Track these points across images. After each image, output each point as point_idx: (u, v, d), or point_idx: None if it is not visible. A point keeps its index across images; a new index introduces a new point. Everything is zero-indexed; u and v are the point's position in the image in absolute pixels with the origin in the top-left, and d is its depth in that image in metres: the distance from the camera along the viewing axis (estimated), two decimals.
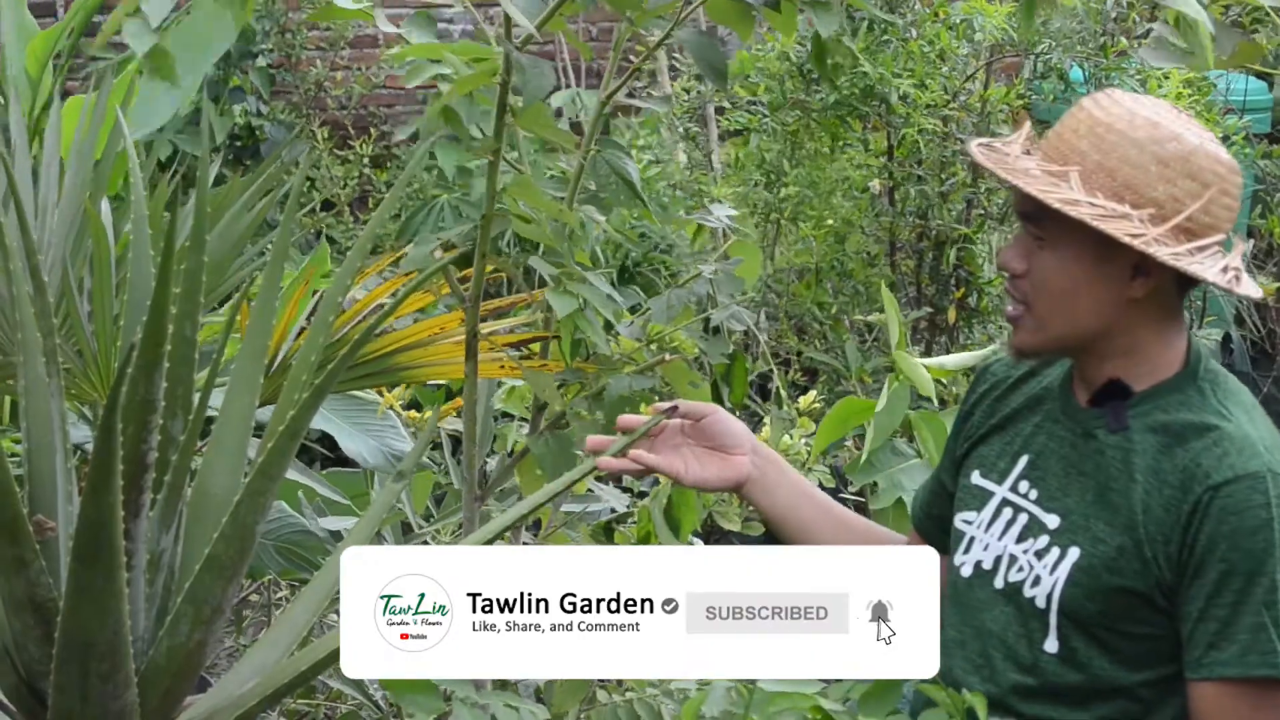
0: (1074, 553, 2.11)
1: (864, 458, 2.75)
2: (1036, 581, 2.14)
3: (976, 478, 2.27)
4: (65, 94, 3.83)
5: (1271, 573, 2.02)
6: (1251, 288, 2.10)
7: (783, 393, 4.56)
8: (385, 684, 2.66)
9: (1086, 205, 2.05)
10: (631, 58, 2.62)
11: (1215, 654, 2.04)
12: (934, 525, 2.38)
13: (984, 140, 2.21)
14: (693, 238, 2.68)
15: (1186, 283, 2.13)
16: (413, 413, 3.42)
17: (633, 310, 2.80)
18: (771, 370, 4.80)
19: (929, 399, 2.81)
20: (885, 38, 4.94)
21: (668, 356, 2.49)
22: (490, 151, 2.31)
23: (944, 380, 3.08)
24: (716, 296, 2.50)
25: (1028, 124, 2.23)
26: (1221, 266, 2.08)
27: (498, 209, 2.36)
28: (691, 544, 4.24)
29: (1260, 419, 2.14)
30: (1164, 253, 2.04)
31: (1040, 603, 2.13)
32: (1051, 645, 2.12)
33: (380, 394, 3.31)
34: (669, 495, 2.49)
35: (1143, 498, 2.08)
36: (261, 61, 6.92)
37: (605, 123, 2.44)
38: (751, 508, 3.43)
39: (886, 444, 2.76)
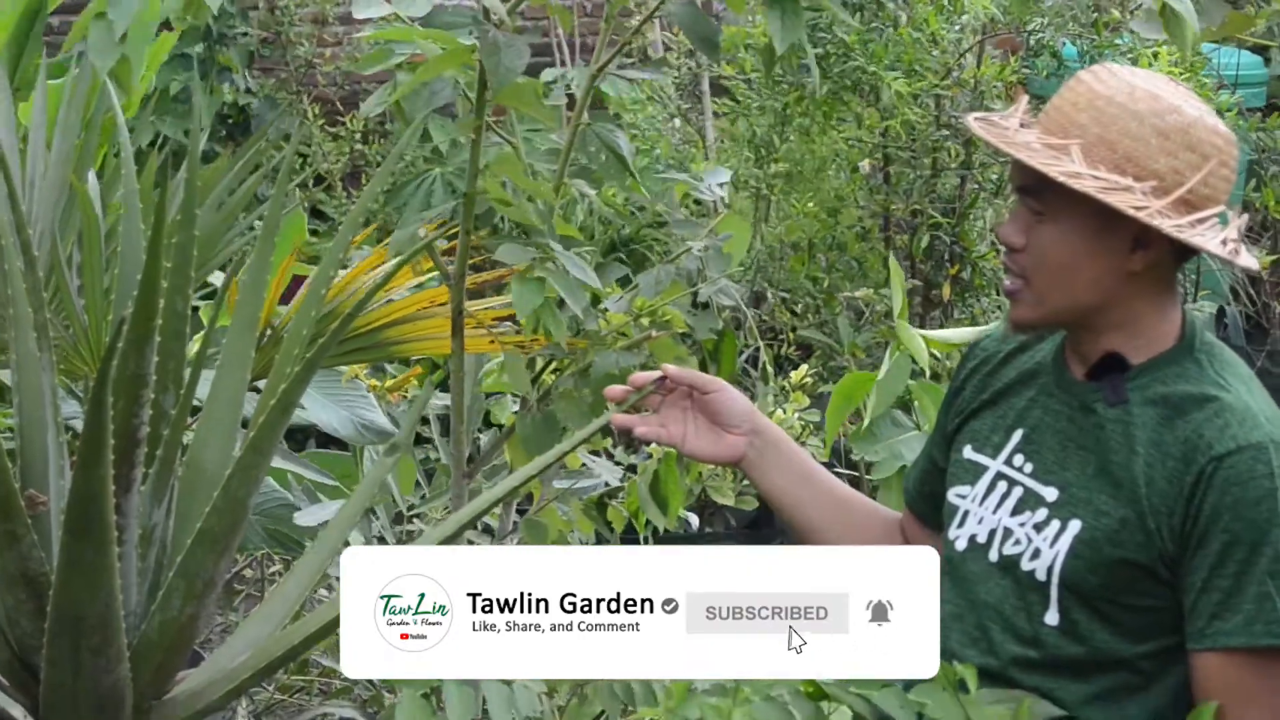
0: (1075, 525, 2.11)
1: (864, 425, 2.74)
2: (1036, 554, 2.13)
3: (969, 452, 2.27)
4: None
5: (1276, 542, 2.02)
6: (1249, 260, 2.10)
7: (769, 368, 4.55)
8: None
9: (1090, 178, 2.04)
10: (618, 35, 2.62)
11: (1219, 624, 2.04)
12: (926, 503, 2.37)
13: (981, 114, 2.21)
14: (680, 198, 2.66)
15: (1183, 255, 2.13)
16: (374, 381, 3.40)
17: (623, 283, 2.78)
18: (759, 346, 4.80)
19: (923, 370, 2.79)
20: (875, 24, 4.93)
21: (654, 333, 2.48)
22: (473, 129, 2.31)
23: (939, 355, 3.07)
24: (706, 272, 2.49)
25: (1024, 98, 2.22)
26: (1221, 239, 2.08)
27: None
28: (684, 521, 4.22)
29: (1258, 390, 2.14)
30: (1167, 225, 2.03)
31: (1040, 575, 2.12)
32: (1052, 618, 2.12)
33: None
34: (655, 470, 2.48)
35: (1144, 470, 2.08)
36: (245, 38, 6.90)
37: (601, 95, 2.44)
38: (745, 482, 3.43)
39: (886, 414, 2.74)
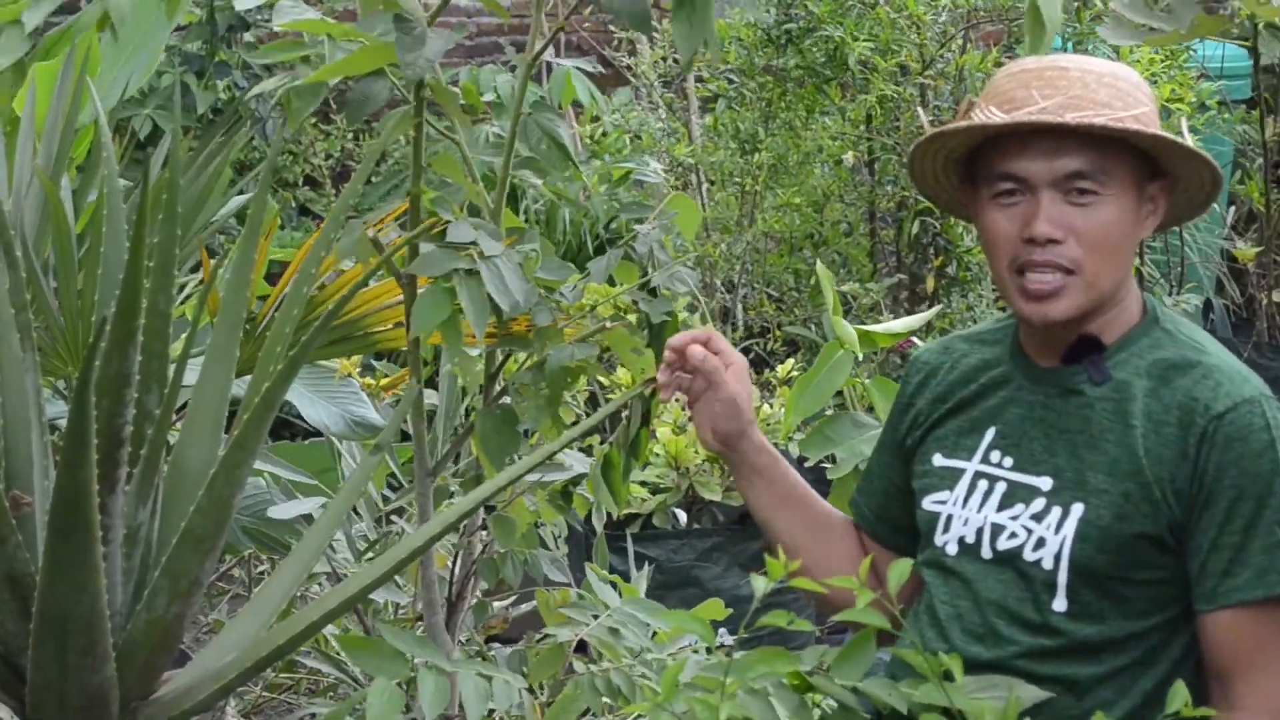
0: (1078, 508, 2.13)
1: (788, 420, 2.71)
2: (1040, 544, 2.14)
3: (940, 460, 2.26)
4: None
5: (1279, 491, 2.07)
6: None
7: None
8: (344, 644, 2.65)
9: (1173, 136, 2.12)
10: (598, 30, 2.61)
11: (1230, 581, 2.07)
12: (884, 526, 2.37)
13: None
14: (617, 181, 2.61)
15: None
16: (367, 380, 3.41)
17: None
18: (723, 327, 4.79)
19: (857, 357, 2.73)
20: (850, 3, 4.95)
21: (608, 324, 2.47)
22: (411, 126, 2.31)
23: (891, 346, 3.02)
24: (656, 255, 2.47)
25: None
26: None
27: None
28: (673, 516, 4.22)
29: (1227, 350, 2.19)
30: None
31: (1047, 564, 2.13)
32: (1060, 604, 2.13)
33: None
34: (606, 455, 2.47)
35: (1142, 441, 2.11)
36: (250, 36, 6.86)
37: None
38: (733, 478, 3.43)
39: (847, 415, 2.71)
